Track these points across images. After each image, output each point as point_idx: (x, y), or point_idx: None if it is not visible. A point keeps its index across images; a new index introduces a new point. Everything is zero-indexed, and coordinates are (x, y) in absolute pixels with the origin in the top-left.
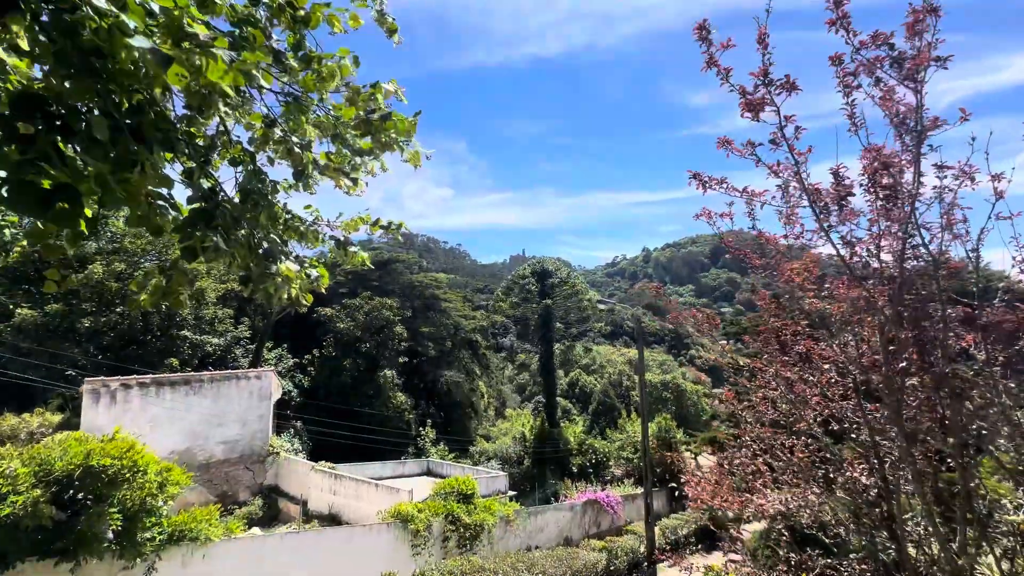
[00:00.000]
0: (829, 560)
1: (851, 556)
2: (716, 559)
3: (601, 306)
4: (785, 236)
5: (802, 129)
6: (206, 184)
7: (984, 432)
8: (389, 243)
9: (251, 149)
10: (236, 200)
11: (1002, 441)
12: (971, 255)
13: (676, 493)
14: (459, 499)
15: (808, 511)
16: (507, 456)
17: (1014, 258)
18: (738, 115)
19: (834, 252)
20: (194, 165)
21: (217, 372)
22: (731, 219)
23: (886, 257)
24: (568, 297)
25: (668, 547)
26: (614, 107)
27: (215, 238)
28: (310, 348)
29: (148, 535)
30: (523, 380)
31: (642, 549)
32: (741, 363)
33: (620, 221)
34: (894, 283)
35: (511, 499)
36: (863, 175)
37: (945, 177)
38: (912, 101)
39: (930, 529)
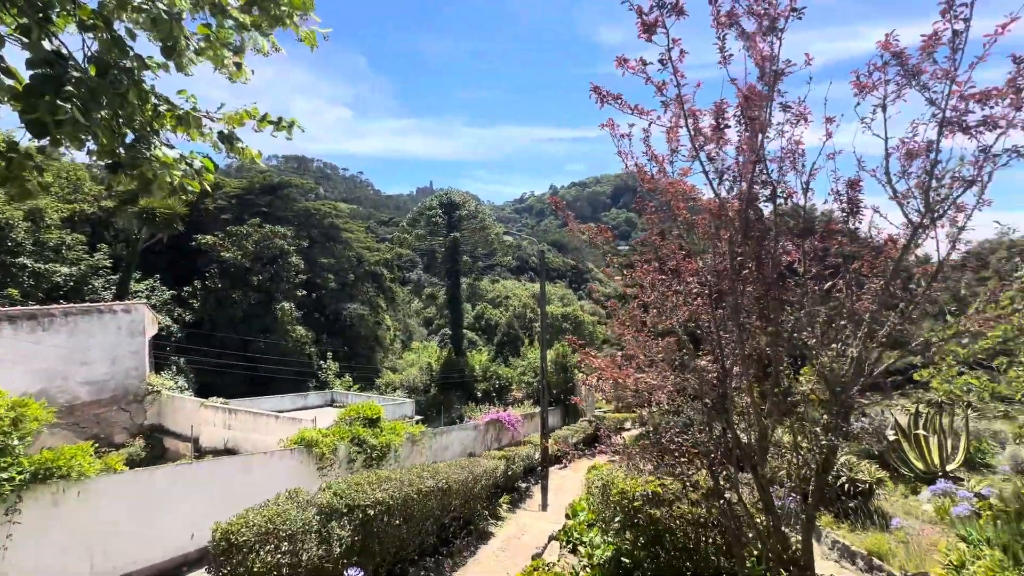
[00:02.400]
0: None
1: (694, 427)
2: (601, 460)
3: (507, 238)
4: (670, 158)
5: (685, 53)
6: (48, 45)
7: (795, 321)
8: (280, 167)
9: (104, 13)
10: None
11: (807, 331)
12: (804, 186)
13: (568, 407)
14: (365, 424)
15: (667, 389)
16: (414, 385)
17: (831, 189)
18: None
19: (703, 172)
20: (27, 21)
21: (73, 305)
22: (629, 140)
23: (743, 185)
24: (476, 231)
25: (559, 453)
26: (532, 34)
27: (70, 109)
28: (190, 279)
29: (5, 475)
30: (430, 313)
31: (537, 456)
32: (628, 293)
33: (531, 156)
34: (743, 203)
35: (417, 423)
36: (736, 109)
37: (787, 118)
38: (773, 51)
39: (748, 400)
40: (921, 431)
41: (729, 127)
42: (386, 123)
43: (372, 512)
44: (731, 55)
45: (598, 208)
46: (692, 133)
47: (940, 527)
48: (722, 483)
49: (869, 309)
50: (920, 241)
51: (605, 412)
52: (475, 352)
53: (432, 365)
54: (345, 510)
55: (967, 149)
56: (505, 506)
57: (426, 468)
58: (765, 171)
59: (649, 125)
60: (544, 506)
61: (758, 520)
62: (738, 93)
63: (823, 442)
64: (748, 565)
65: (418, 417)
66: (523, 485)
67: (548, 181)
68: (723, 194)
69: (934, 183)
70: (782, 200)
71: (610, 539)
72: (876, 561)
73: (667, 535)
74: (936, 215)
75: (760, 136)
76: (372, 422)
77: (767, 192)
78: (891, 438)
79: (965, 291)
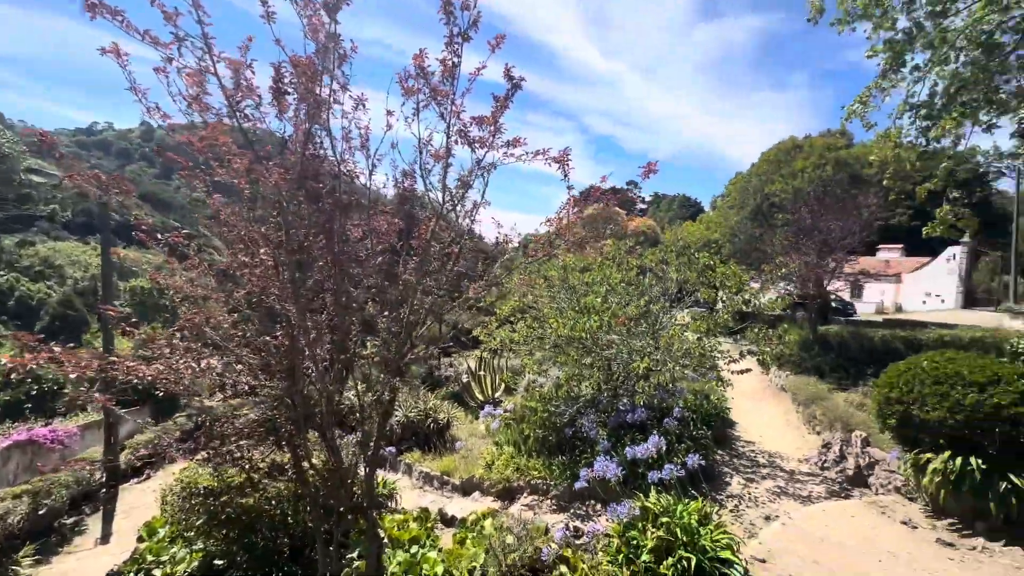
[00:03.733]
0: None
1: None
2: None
3: (36, 178)
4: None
5: None
6: None
7: (361, 293)
8: None
9: None
10: None
11: (371, 302)
12: (371, 168)
13: (162, 403)
14: None
15: (232, 369)
16: None
17: (392, 176)
18: None
19: (238, 126)
20: None
21: None
22: (166, 76)
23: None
24: None
25: (141, 462)
26: None
27: None
28: None
29: None
30: None
31: (99, 475)
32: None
33: (104, 72)
34: (294, 170)
35: None
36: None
37: (352, 102)
38: (330, 29)
39: (312, 367)
40: (481, 372)
41: (288, 93)
42: None
43: None
44: (274, 12)
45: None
46: (230, 86)
47: (487, 439)
48: (300, 452)
49: (412, 282)
50: (444, 224)
51: (217, 402)
52: None
53: None
54: None
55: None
56: (27, 562)
57: None
58: (324, 146)
59: (170, 63)
60: (105, 538)
61: (327, 476)
62: (294, 60)
63: (384, 397)
64: (318, 517)
65: None
66: (69, 520)
67: (139, 115)
68: (272, 162)
69: (448, 181)
70: (348, 178)
71: (199, 546)
72: (446, 478)
73: (264, 518)
74: (453, 205)
75: (319, 111)
76: None
77: (330, 168)
78: (464, 380)
79: (484, 271)
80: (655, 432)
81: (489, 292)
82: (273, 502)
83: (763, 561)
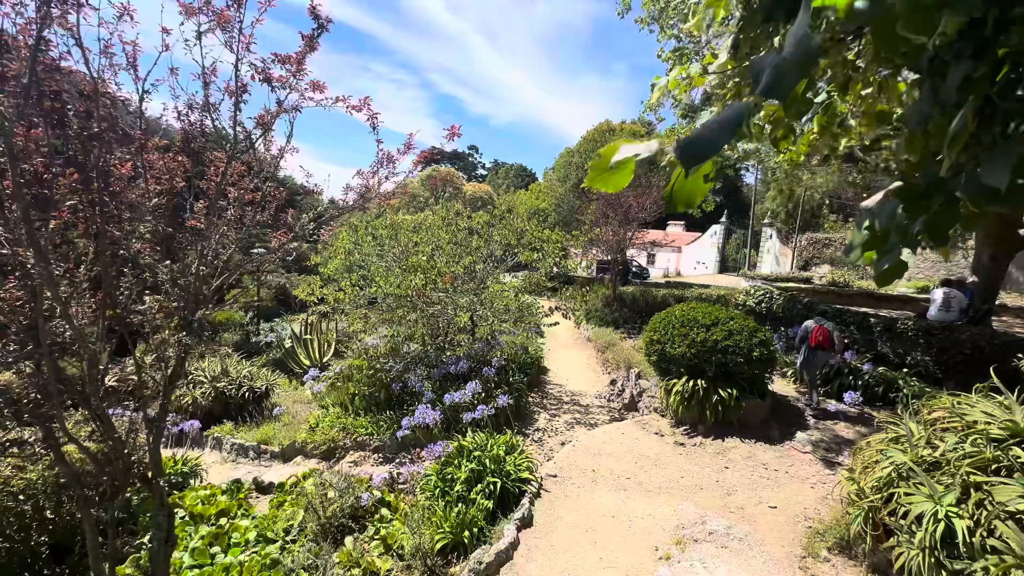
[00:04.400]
0: None
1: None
2: None
3: None
4: None
5: None
6: None
7: (130, 236)
8: None
9: None
10: None
11: (148, 248)
12: (142, 93)
13: None
14: None
15: None
16: None
17: (166, 105)
18: None
19: None
20: None
21: None
22: None
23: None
24: None
25: None
26: None
27: None
28: None
29: None
30: None
31: None
32: None
33: None
34: (20, 82)
35: None
36: None
37: (109, 8)
38: None
39: (67, 325)
40: (308, 336)
41: None
42: None
43: None
44: None
45: None
46: None
47: (313, 404)
48: (53, 428)
49: (200, 229)
50: (244, 168)
51: None
52: None
53: None
54: None
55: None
56: None
57: None
58: (74, 58)
59: None
60: None
61: (100, 450)
62: None
63: (167, 354)
64: (86, 503)
65: None
66: None
67: None
68: None
69: (244, 119)
70: (109, 102)
71: None
72: (263, 447)
73: (8, 518)
74: (248, 146)
75: (63, 7)
76: None
77: (85, 86)
78: (288, 346)
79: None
80: (475, 380)
81: (315, 250)
82: (21, 496)
83: (555, 476)
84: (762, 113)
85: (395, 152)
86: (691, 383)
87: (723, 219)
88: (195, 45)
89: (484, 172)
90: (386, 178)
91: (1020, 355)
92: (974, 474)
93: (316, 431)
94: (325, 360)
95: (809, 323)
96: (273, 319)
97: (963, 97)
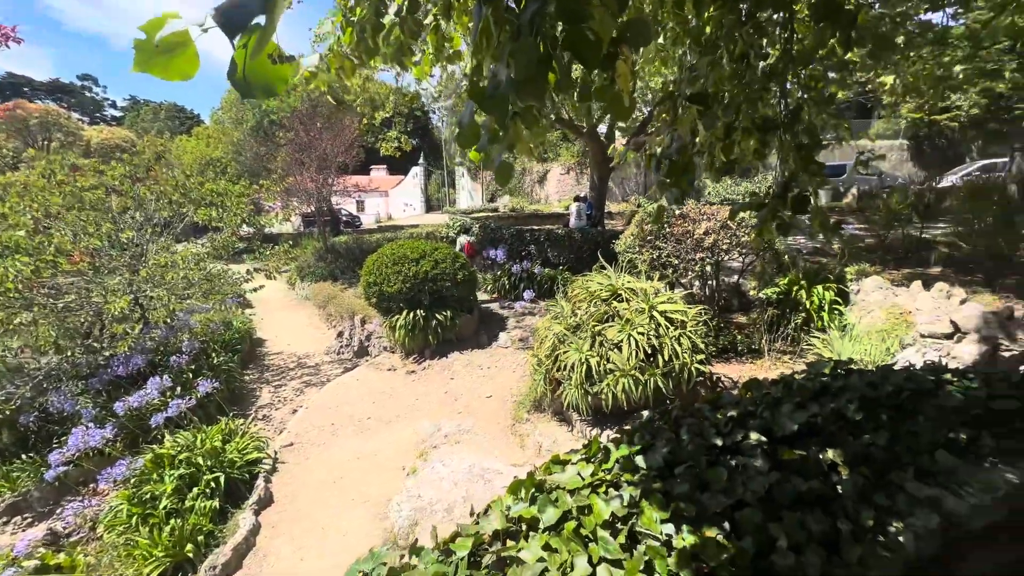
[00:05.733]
0: None
1: None
2: None
3: None
4: None
5: None
6: None
7: None
8: None
9: None
10: None
11: None
12: None
13: None
14: None
15: None
16: None
17: None
18: None
19: None
20: None
21: None
22: None
23: None
24: None
25: None
26: None
27: None
28: None
29: None
30: None
31: None
32: None
33: None
34: None
35: None
36: None
37: None
38: None
39: None
40: None
41: None
42: None
43: None
44: None
45: None
46: None
47: None
48: None
49: None
50: None
51: None
52: None
53: None
54: None
55: None
56: None
57: None
58: None
59: None
60: None
61: None
62: None
63: None
64: None
65: None
66: None
67: None
68: None
69: None
70: None
71: None
72: None
73: None
74: None
75: None
76: None
77: None
78: None
79: None
80: (159, 375)
81: None
82: None
83: (291, 445)
84: (392, 36)
85: None
86: (411, 315)
87: (421, 161)
88: None
89: (118, 113)
90: None
91: (614, 241)
92: (596, 325)
93: None
94: None
95: (460, 239)
96: None
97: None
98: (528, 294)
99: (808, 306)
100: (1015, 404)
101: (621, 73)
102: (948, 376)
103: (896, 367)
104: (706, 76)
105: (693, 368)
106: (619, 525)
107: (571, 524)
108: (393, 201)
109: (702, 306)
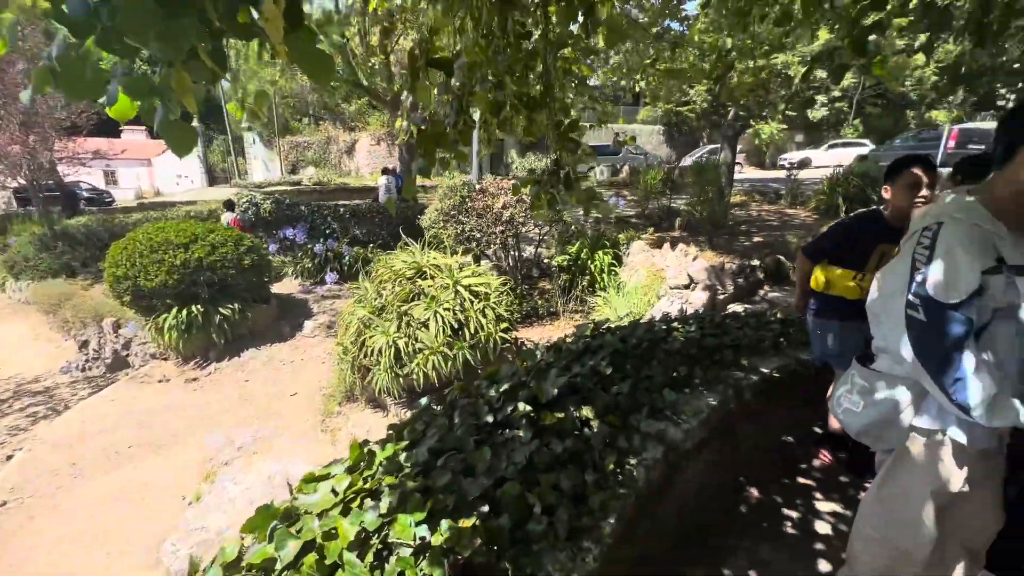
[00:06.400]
0: None
1: None
2: None
3: None
4: None
5: None
6: None
7: None
8: None
9: None
10: None
11: None
12: None
13: None
14: None
15: None
16: None
17: None
18: None
19: None
20: None
21: None
22: None
23: None
24: None
25: None
26: None
27: None
28: None
29: None
30: None
31: None
32: None
33: None
34: None
35: None
36: None
37: None
38: None
39: None
40: None
41: None
42: None
43: None
44: None
45: None
46: None
47: None
48: None
49: None
50: None
51: None
52: None
53: None
54: None
55: None
56: None
57: None
58: None
59: None
60: None
61: None
62: None
63: None
64: None
65: None
66: None
67: None
68: None
69: None
70: None
71: None
72: None
73: None
74: None
75: None
76: None
77: None
78: None
79: None
80: None
81: None
82: None
83: (2, 504)
84: None
85: None
86: (184, 312)
87: (196, 123)
88: None
89: None
90: None
91: (419, 216)
92: (402, 305)
93: None
94: None
95: (225, 216)
96: None
97: None
98: (331, 276)
99: (592, 269)
100: (715, 341)
101: (269, 15)
102: (676, 324)
103: (655, 318)
104: (450, 43)
105: (497, 337)
106: (373, 540)
107: (310, 557)
108: (160, 172)
109: (506, 276)
